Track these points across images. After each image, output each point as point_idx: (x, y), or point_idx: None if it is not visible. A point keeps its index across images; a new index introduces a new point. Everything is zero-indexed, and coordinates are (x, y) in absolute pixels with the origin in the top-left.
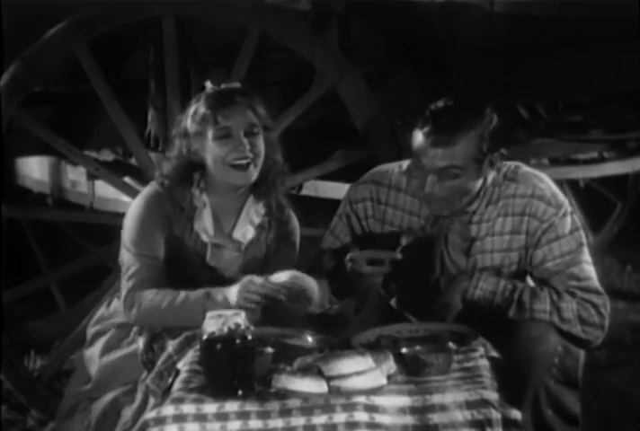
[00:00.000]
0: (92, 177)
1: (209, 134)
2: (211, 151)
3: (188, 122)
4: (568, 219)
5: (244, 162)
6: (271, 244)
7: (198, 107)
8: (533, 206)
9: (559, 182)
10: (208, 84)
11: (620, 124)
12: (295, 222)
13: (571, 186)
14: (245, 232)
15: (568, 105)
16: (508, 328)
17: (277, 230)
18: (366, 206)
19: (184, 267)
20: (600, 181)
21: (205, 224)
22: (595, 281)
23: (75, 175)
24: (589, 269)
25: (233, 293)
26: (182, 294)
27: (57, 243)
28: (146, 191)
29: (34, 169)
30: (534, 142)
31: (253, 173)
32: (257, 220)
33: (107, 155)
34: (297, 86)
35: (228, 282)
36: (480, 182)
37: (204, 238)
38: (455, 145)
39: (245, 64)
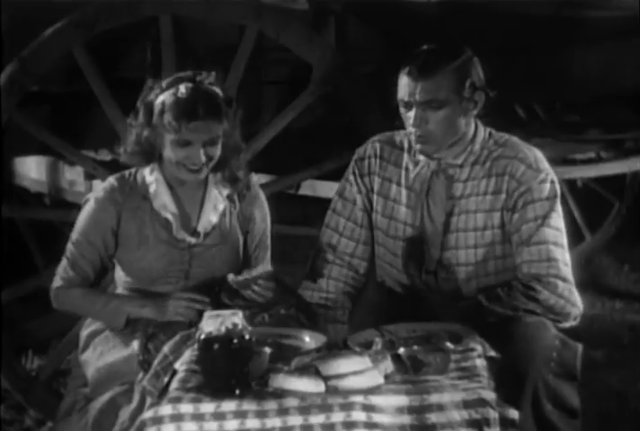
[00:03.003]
0: (89, 176)
1: (170, 137)
2: (167, 149)
3: (154, 110)
4: (547, 186)
5: (197, 167)
6: (237, 227)
7: (166, 104)
8: (514, 167)
9: None
10: (182, 88)
11: (618, 124)
12: (261, 195)
13: (568, 186)
14: (210, 220)
15: (565, 105)
16: (504, 326)
17: (243, 208)
18: (370, 162)
19: (153, 246)
20: (598, 181)
21: (164, 201)
22: (550, 246)
23: (73, 175)
24: (552, 233)
25: (162, 311)
26: (104, 298)
27: (55, 243)
28: (98, 190)
29: (32, 168)
30: (531, 142)
31: (204, 173)
32: (221, 206)
33: (105, 155)
34: (295, 86)
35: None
36: (470, 132)
37: (167, 216)
38: (434, 77)
39: (243, 63)
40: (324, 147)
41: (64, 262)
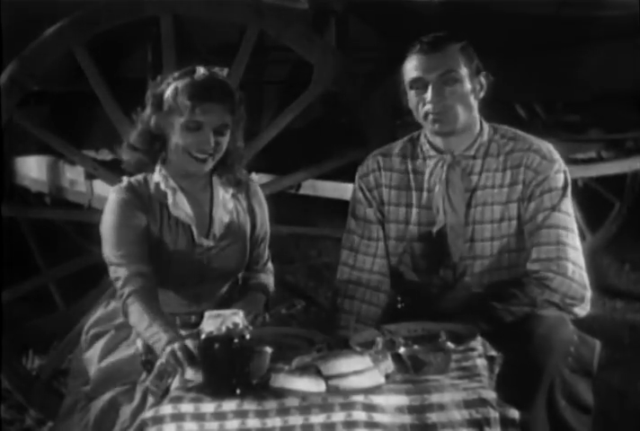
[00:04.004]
0: (90, 176)
1: (181, 120)
2: (176, 136)
3: (166, 95)
4: (562, 175)
5: (204, 156)
6: (245, 224)
7: (180, 87)
8: (530, 159)
9: None
10: (200, 70)
11: (618, 123)
12: (259, 190)
13: None
14: (222, 220)
15: (566, 105)
16: (523, 322)
17: (247, 203)
18: (375, 176)
19: (173, 253)
20: (599, 181)
21: (182, 207)
22: (560, 230)
23: (74, 174)
24: (562, 218)
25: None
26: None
27: (56, 242)
28: (114, 196)
29: (33, 168)
30: None
31: (210, 165)
32: (230, 205)
33: (105, 155)
34: (296, 85)
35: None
36: (477, 123)
37: (187, 221)
38: (446, 49)
39: (244, 63)
40: (324, 147)
41: (121, 280)
